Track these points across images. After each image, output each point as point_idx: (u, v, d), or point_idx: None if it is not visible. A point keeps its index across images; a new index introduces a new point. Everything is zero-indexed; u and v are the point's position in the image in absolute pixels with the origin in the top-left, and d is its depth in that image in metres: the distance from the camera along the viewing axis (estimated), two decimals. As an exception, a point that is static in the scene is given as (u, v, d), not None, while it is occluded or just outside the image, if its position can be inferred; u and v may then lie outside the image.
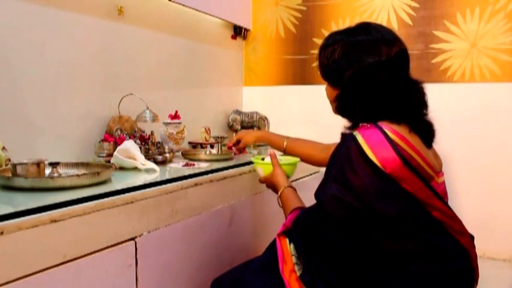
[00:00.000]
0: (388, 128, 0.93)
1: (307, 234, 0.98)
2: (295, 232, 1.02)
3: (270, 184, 1.25)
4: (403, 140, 0.93)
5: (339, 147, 0.97)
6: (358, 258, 0.91)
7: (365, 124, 0.97)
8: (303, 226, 1.00)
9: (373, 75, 0.97)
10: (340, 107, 1.05)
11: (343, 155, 0.94)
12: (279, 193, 1.18)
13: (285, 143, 1.48)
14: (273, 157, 1.25)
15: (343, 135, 1.04)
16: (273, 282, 1.01)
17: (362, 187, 0.90)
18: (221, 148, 1.69)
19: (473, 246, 0.99)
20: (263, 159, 1.30)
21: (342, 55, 1.01)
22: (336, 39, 1.03)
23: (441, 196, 0.95)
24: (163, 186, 1.16)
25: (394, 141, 0.92)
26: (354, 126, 1.03)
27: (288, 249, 1.03)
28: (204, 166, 1.45)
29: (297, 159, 1.34)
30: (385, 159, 0.90)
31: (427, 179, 0.93)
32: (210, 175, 1.35)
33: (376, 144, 0.91)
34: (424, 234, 0.91)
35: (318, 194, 0.98)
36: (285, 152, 1.48)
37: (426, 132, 1.00)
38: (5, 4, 1.26)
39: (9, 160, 1.14)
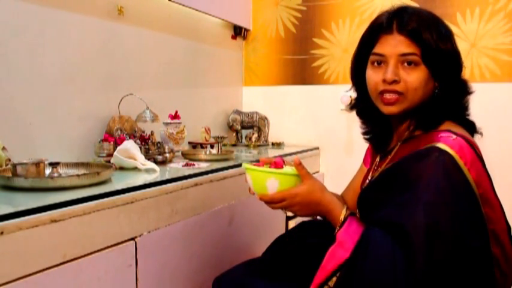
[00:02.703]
0: (470, 140, 0.85)
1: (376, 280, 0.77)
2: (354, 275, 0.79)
3: (304, 202, 0.88)
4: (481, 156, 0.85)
5: (420, 160, 0.81)
6: None
7: (445, 134, 0.84)
8: (374, 267, 0.78)
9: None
10: (440, 100, 0.90)
11: (435, 171, 0.78)
12: (343, 224, 0.85)
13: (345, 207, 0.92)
14: (300, 165, 0.88)
15: (418, 138, 0.90)
16: (274, 286, 1.01)
17: (461, 213, 0.76)
18: (221, 148, 1.69)
19: (509, 286, 0.89)
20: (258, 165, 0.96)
21: (456, 45, 0.91)
22: (446, 25, 0.91)
23: (511, 234, 0.86)
24: (163, 186, 1.16)
25: (481, 157, 0.83)
26: (429, 128, 0.90)
27: None
28: (204, 166, 1.45)
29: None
30: (478, 178, 0.80)
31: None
32: (210, 175, 1.35)
33: (471, 161, 0.80)
34: (473, 272, 0.78)
35: (398, 220, 0.78)
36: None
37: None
38: (5, 4, 1.26)
39: (9, 160, 1.14)
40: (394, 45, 0.88)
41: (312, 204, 0.88)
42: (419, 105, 0.90)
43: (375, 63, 0.92)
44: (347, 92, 2.14)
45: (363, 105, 1.03)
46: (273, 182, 0.87)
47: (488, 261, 0.80)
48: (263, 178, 0.88)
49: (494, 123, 1.92)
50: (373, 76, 0.92)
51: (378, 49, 0.91)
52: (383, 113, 0.93)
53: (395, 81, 0.88)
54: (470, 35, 1.95)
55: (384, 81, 0.89)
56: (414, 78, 0.87)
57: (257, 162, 0.97)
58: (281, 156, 1.84)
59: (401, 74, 0.88)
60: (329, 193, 0.91)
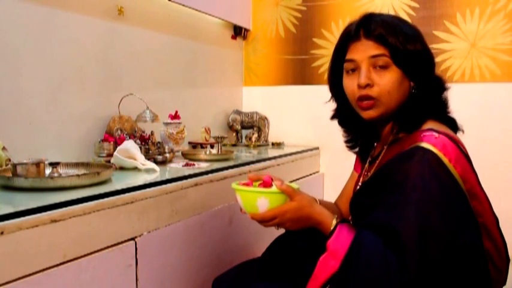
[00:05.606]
0: (454, 137, 0.86)
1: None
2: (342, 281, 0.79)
3: (294, 218, 0.89)
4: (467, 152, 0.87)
5: (405, 160, 0.83)
6: None
7: (428, 133, 0.85)
8: (363, 274, 0.78)
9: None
10: (418, 99, 0.91)
11: (421, 170, 0.79)
12: (333, 232, 0.86)
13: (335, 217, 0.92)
14: (283, 185, 0.89)
15: (403, 137, 0.91)
16: (274, 287, 1.01)
17: (450, 209, 0.77)
18: (221, 148, 1.69)
19: (504, 282, 0.90)
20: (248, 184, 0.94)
21: (425, 44, 0.93)
22: (414, 26, 0.94)
23: (500, 227, 0.88)
24: (163, 186, 1.16)
25: (466, 153, 0.85)
26: (411, 129, 0.91)
27: None
28: (204, 166, 1.45)
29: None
30: (464, 173, 0.81)
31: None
32: (210, 175, 1.35)
33: (455, 157, 0.81)
34: (468, 268, 0.79)
35: (389, 222, 0.79)
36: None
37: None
38: (5, 4, 1.26)
39: (9, 160, 1.14)
40: (363, 50, 0.92)
41: (303, 219, 0.90)
42: (399, 107, 0.93)
43: (350, 71, 0.95)
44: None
45: (344, 114, 1.05)
46: (263, 201, 0.88)
47: (482, 255, 0.81)
48: (253, 198, 0.89)
49: (494, 123, 1.92)
50: (349, 83, 0.95)
51: (349, 56, 0.95)
52: (364, 119, 0.96)
53: (368, 85, 0.90)
54: (470, 35, 1.95)
55: (359, 86, 0.91)
56: (387, 80, 0.89)
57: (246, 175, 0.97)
58: (281, 156, 1.85)
59: (374, 77, 0.90)
60: (318, 205, 0.92)
